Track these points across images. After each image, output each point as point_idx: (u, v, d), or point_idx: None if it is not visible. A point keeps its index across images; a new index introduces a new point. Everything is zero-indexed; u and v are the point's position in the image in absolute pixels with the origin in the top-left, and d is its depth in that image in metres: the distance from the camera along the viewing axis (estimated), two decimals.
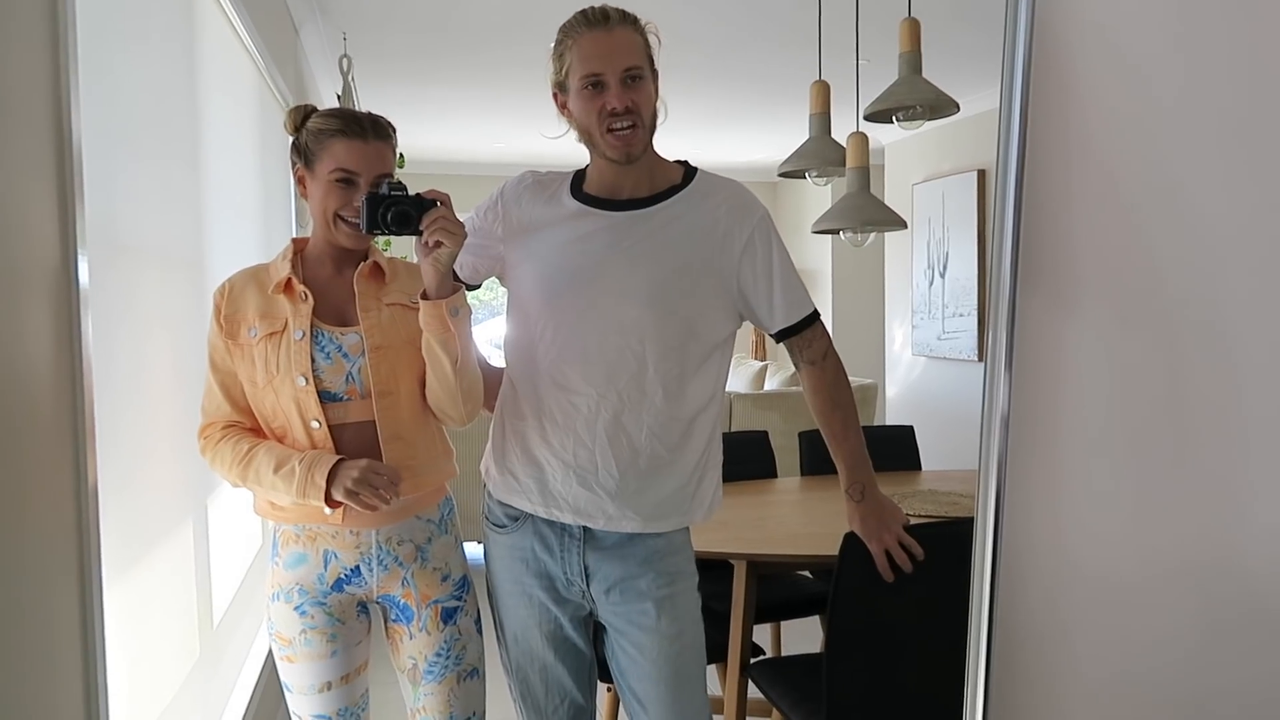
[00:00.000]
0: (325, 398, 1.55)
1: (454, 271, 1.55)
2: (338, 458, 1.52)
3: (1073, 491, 1.17)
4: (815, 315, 1.68)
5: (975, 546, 1.16)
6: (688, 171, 1.66)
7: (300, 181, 1.60)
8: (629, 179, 1.61)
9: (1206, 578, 1.13)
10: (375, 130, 1.56)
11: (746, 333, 8.11)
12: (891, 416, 6.35)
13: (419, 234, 1.48)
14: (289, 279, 1.57)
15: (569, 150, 1.67)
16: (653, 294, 1.57)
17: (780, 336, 1.68)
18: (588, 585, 1.64)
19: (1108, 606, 1.17)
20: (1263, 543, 1.12)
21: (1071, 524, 1.17)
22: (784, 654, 2.94)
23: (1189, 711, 1.16)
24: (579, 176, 1.67)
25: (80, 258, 1.27)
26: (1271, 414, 1.11)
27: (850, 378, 1.76)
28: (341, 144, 1.53)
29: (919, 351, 6.00)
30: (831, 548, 1.83)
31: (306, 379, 1.53)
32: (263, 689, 2.58)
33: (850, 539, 1.79)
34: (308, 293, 1.57)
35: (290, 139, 1.61)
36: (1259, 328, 1.11)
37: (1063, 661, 1.19)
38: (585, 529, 1.61)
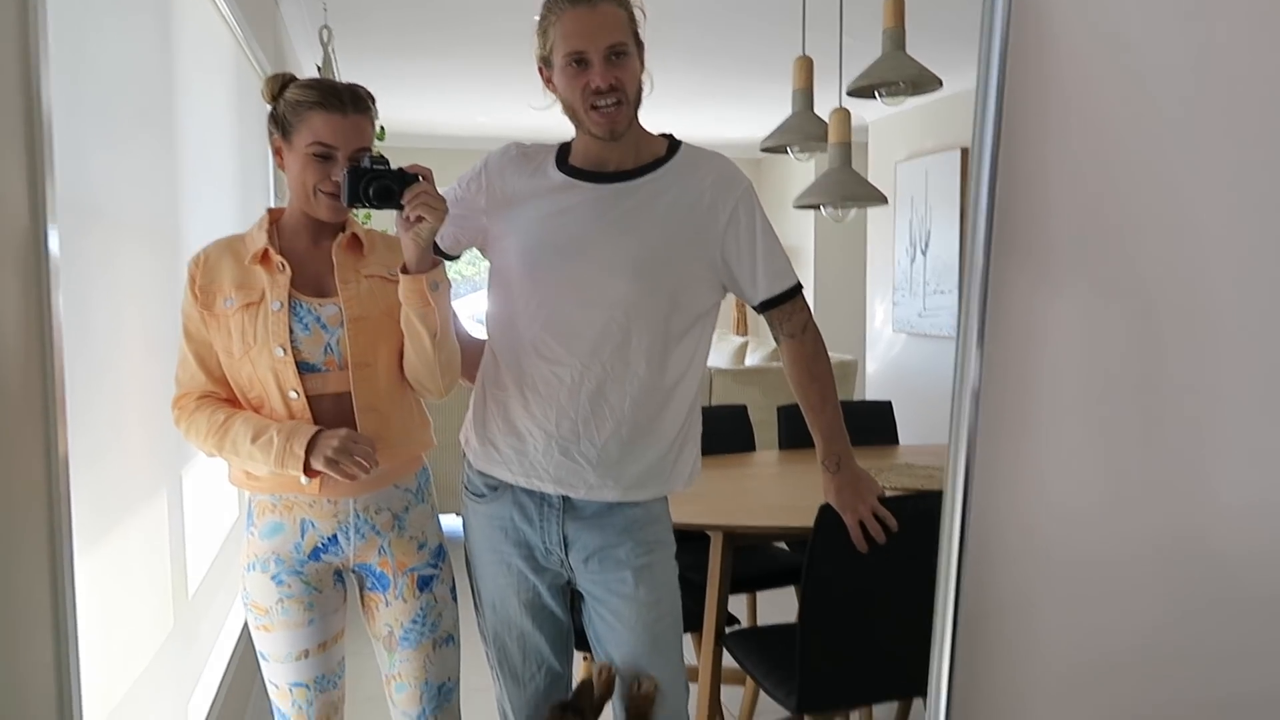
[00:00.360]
0: (303, 369, 1.55)
1: (434, 244, 1.55)
2: (316, 428, 1.52)
3: (1043, 466, 1.18)
4: (798, 288, 1.69)
5: (943, 519, 1.17)
6: (672, 144, 1.67)
7: (277, 152, 1.59)
8: (614, 152, 1.61)
9: (1172, 555, 1.15)
10: (354, 103, 1.55)
11: (728, 308, 8.11)
12: (872, 392, 6.38)
13: (400, 209, 1.47)
14: (265, 249, 1.56)
15: (553, 124, 1.66)
16: (637, 267, 1.57)
17: (762, 308, 1.69)
18: (566, 554, 1.65)
19: (1073, 580, 1.19)
20: (1230, 522, 1.14)
21: (1041, 499, 1.19)
22: (759, 624, 2.97)
23: (1151, 685, 1.18)
24: (564, 149, 1.67)
25: (50, 228, 1.25)
26: (1244, 391, 1.13)
27: (831, 354, 1.77)
28: (320, 117, 1.52)
29: (900, 328, 6.03)
30: (807, 520, 1.85)
31: (285, 350, 1.53)
32: (239, 659, 2.58)
33: (825, 510, 1.80)
34: (285, 263, 1.56)
35: (268, 108, 1.60)
36: (1236, 303, 1.13)
37: (1027, 633, 1.21)
38: (565, 498, 1.62)
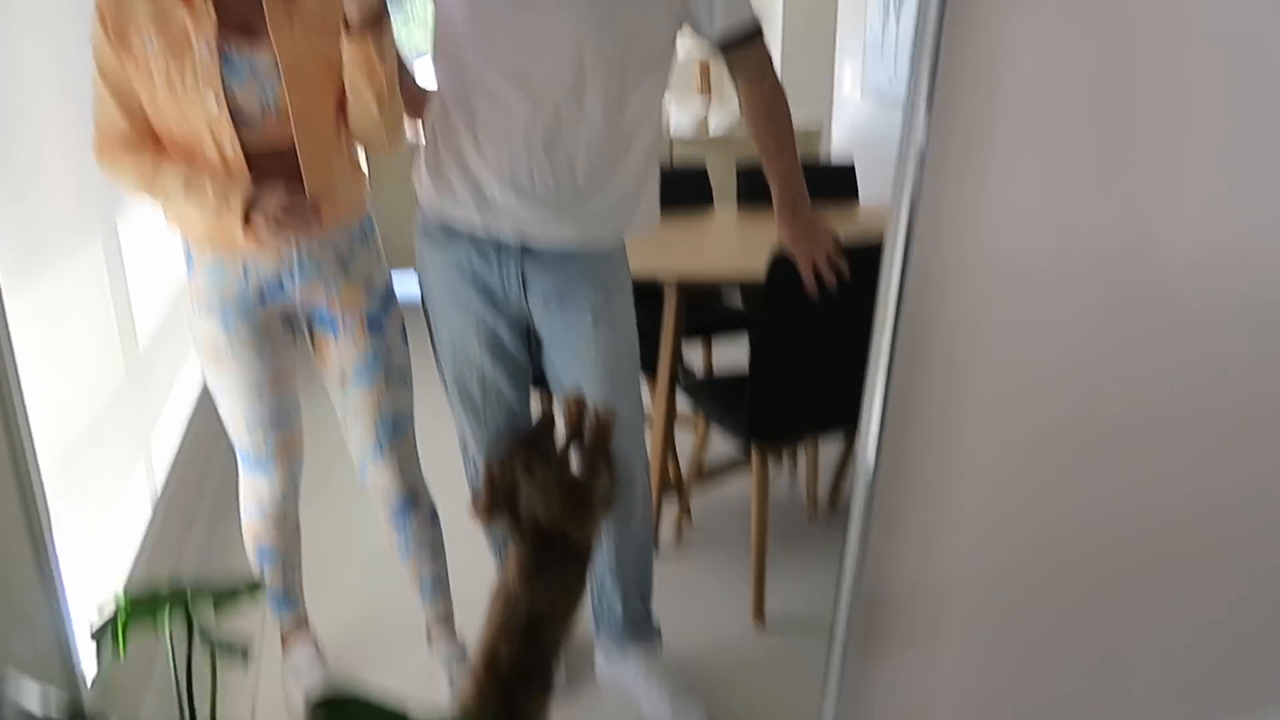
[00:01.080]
0: (237, 119, 1.45)
1: None
2: (251, 187, 1.46)
3: (998, 178, 1.17)
4: (758, 30, 1.62)
5: (887, 235, 1.17)
6: None
7: None
8: None
9: (1117, 263, 1.16)
10: None
11: (691, 70, 7.80)
12: (838, 159, 6.29)
13: None
14: None
15: None
16: (589, 1, 1.47)
17: (721, 46, 1.61)
18: (525, 296, 1.64)
19: (1018, 292, 1.19)
20: (1179, 233, 1.14)
21: (992, 212, 1.18)
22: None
23: (1086, 393, 1.22)
24: None
25: None
26: (1208, 132, 1.10)
27: (796, 121, 1.73)
28: None
29: (869, 94, 5.86)
30: (762, 272, 1.84)
31: (218, 97, 1.42)
32: (202, 412, 2.62)
33: (778, 259, 1.79)
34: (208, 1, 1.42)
35: None
36: (1207, 41, 1.07)
37: (966, 351, 1.23)
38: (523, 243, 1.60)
